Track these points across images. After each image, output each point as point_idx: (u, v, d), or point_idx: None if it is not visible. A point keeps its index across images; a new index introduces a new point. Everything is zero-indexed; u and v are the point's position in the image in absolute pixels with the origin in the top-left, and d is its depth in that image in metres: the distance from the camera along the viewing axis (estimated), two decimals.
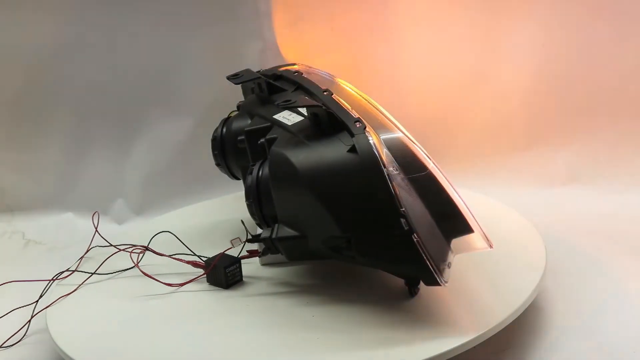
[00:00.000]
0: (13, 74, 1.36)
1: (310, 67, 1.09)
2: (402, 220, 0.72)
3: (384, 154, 0.75)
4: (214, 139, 1.04)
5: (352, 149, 0.76)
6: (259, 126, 0.93)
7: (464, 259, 0.80)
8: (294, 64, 1.11)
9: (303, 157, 0.79)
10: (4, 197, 1.41)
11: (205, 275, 0.92)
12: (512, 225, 1.01)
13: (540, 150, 1.32)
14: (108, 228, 1.28)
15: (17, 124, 1.39)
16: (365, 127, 0.77)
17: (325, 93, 0.88)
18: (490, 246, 0.78)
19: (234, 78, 1.04)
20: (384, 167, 0.74)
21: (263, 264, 0.95)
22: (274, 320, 0.82)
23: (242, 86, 1.09)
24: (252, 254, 0.91)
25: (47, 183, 1.40)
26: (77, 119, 1.38)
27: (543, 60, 1.30)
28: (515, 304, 0.78)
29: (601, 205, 1.20)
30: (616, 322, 0.86)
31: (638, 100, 1.28)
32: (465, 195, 1.07)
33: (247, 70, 1.05)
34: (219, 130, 1.04)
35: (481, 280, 0.85)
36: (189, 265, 0.93)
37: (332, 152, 0.77)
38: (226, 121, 1.05)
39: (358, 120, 0.78)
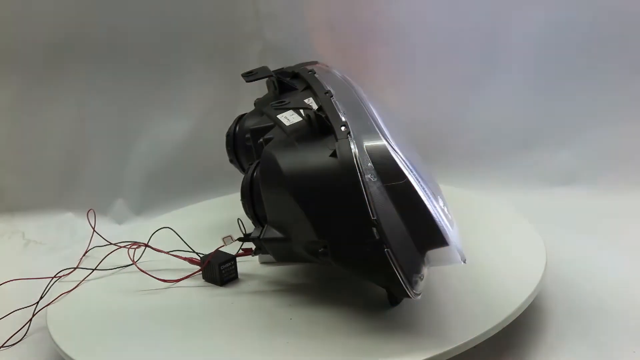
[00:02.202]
0: (13, 74, 1.36)
1: (328, 67, 1.08)
2: (374, 229, 0.70)
3: (364, 161, 0.73)
4: (227, 135, 1.05)
5: (334, 154, 0.74)
6: (263, 125, 0.92)
7: None
8: (315, 62, 1.11)
9: (289, 159, 0.78)
10: (4, 197, 1.41)
11: (200, 271, 0.92)
12: (512, 225, 1.01)
13: (540, 150, 1.33)
14: (108, 228, 1.28)
15: (17, 124, 1.39)
16: (349, 132, 0.75)
17: (325, 94, 0.86)
18: (464, 261, 0.74)
19: (247, 75, 1.03)
20: (361, 174, 0.72)
21: (262, 262, 0.95)
22: (253, 322, 0.82)
23: (266, 83, 1.09)
24: (246, 252, 0.91)
25: (47, 183, 1.40)
26: (77, 119, 1.38)
27: (543, 60, 1.30)
28: (514, 305, 0.78)
29: (601, 205, 1.20)
30: (616, 322, 0.86)
31: (638, 100, 1.28)
32: (464, 195, 1.08)
33: (263, 68, 1.04)
34: (233, 127, 1.04)
35: (480, 280, 0.84)
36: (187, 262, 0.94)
37: (316, 156, 0.76)
38: (240, 118, 1.05)
39: (344, 124, 0.77)
